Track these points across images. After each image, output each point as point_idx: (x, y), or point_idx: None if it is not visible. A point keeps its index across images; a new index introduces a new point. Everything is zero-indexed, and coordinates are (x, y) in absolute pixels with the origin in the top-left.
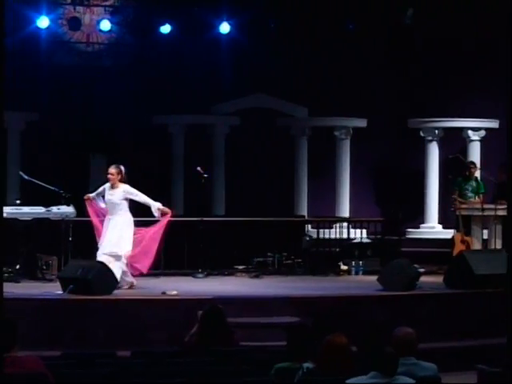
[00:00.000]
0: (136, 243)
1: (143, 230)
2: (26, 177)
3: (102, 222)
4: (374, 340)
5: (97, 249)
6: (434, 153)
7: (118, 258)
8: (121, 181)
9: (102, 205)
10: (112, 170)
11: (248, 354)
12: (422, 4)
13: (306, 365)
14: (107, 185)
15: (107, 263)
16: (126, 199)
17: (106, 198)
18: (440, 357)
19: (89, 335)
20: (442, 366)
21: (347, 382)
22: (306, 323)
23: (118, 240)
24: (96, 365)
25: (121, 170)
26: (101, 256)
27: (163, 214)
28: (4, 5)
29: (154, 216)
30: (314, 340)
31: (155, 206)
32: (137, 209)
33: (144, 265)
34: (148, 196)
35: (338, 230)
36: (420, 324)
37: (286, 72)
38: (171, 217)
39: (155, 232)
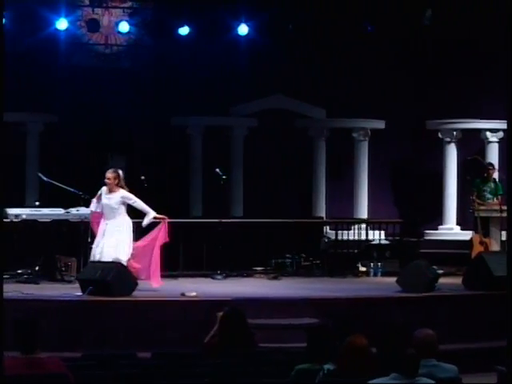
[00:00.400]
0: (137, 256)
1: (140, 242)
2: (45, 178)
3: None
4: (394, 341)
5: None
6: (452, 154)
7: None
8: (118, 185)
9: (99, 209)
10: (109, 174)
11: (268, 355)
12: (440, 5)
13: (326, 366)
14: (104, 189)
15: None
16: (124, 203)
17: (103, 202)
18: (460, 358)
19: (108, 336)
20: (462, 368)
21: (368, 383)
22: (327, 324)
23: (117, 245)
24: (117, 366)
25: (118, 175)
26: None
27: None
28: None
29: (155, 219)
30: (334, 341)
31: (151, 214)
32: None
33: (157, 280)
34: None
35: (356, 231)
36: (439, 325)
37: (304, 73)
38: (168, 223)
39: (157, 252)
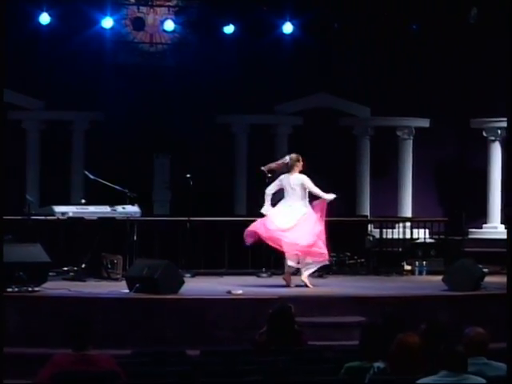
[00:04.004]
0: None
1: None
2: (91, 176)
3: None
4: (442, 339)
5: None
6: (496, 153)
7: None
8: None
9: None
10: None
11: (317, 353)
12: (485, 3)
13: (376, 364)
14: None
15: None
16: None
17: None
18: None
19: (156, 334)
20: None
21: (418, 381)
22: (378, 322)
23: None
24: (167, 363)
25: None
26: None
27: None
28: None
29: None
30: (386, 339)
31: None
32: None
33: None
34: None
35: (400, 229)
36: (486, 324)
37: (349, 72)
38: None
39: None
